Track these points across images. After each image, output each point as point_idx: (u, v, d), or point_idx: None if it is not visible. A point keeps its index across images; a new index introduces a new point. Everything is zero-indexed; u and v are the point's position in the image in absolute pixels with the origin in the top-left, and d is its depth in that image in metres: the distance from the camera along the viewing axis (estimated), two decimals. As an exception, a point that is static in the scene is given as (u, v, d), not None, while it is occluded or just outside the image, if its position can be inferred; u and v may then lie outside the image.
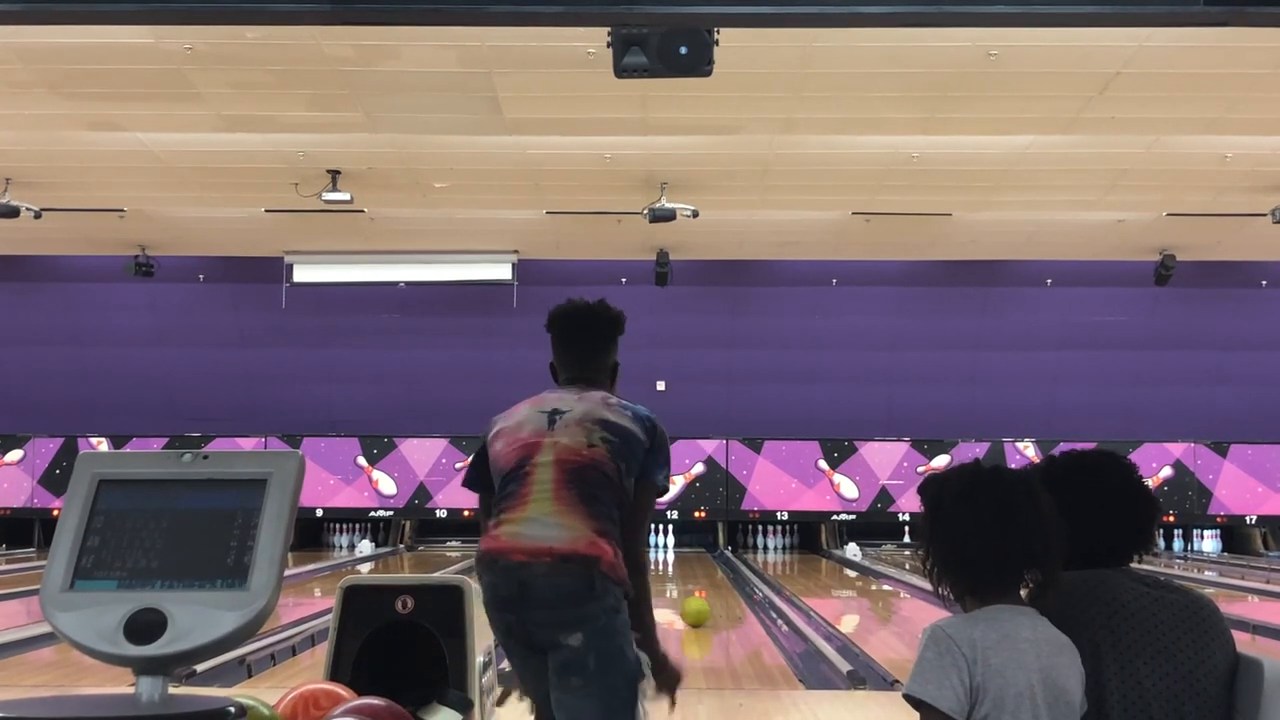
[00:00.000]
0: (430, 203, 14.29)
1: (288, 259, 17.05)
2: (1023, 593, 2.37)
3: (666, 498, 18.74)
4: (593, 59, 9.08)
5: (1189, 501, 18.92)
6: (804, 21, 6.13)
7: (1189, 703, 2.38)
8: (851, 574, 15.96)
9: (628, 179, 13.06)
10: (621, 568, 3.21)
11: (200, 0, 3.59)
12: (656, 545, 18.96)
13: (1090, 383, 18.78)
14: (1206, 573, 16.45)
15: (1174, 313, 18.29)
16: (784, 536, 19.14)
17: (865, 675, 7.79)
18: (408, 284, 17.47)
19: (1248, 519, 18.95)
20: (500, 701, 3.51)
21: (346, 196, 13.21)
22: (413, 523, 18.99)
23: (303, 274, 17.09)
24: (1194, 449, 18.92)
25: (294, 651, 8.27)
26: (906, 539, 19.19)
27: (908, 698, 2.21)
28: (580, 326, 3.69)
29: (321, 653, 4.05)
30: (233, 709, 2.29)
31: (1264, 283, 18.36)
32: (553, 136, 11.63)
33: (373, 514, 18.81)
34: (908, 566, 16.13)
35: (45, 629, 2.80)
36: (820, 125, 11.31)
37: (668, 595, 14.29)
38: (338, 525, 18.96)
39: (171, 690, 2.29)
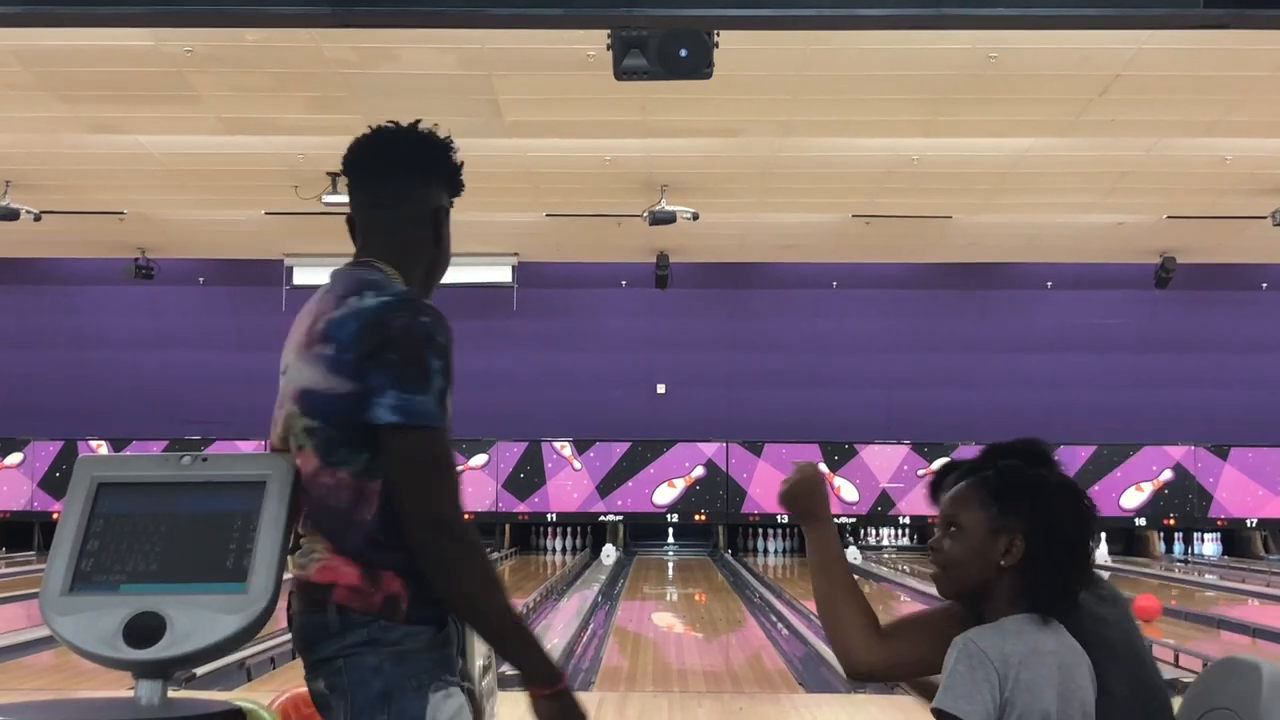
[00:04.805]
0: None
1: (287, 262, 17.05)
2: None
3: (667, 500, 18.75)
4: (592, 61, 9.08)
5: (1189, 505, 18.90)
6: (804, 24, 6.14)
7: (1153, 701, 2.42)
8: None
9: (628, 181, 13.06)
10: (376, 593, 2.29)
11: (200, 3, 3.59)
12: (664, 547, 18.97)
13: (1090, 386, 18.78)
14: (1207, 576, 16.45)
15: (1174, 315, 18.29)
16: (784, 540, 19.13)
17: (865, 678, 7.78)
18: (407, 287, 17.46)
19: (1248, 522, 18.93)
20: None
21: (346, 199, 13.18)
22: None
23: (303, 276, 17.08)
24: (1194, 452, 18.91)
25: (294, 655, 8.25)
26: (906, 541, 19.21)
27: (938, 712, 2.19)
28: (373, 157, 2.55)
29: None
30: (233, 713, 2.29)
31: (1264, 285, 18.35)
32: (553, 139, 11.63)
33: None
34: (909, 570, 16.13)
35: (44, 633, 2.79)
36: (820, 128, 11.30)
37: (668, 599, 14.28)
38: (338, 528, 18.94)
39: (171, 694, 2.29)
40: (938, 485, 2.77)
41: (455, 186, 2.57)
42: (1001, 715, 2.16)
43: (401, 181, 2.50)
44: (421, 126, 2.52)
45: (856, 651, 2.36)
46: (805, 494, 2.49)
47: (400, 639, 2.28)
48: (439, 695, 2.28)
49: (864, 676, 2.38)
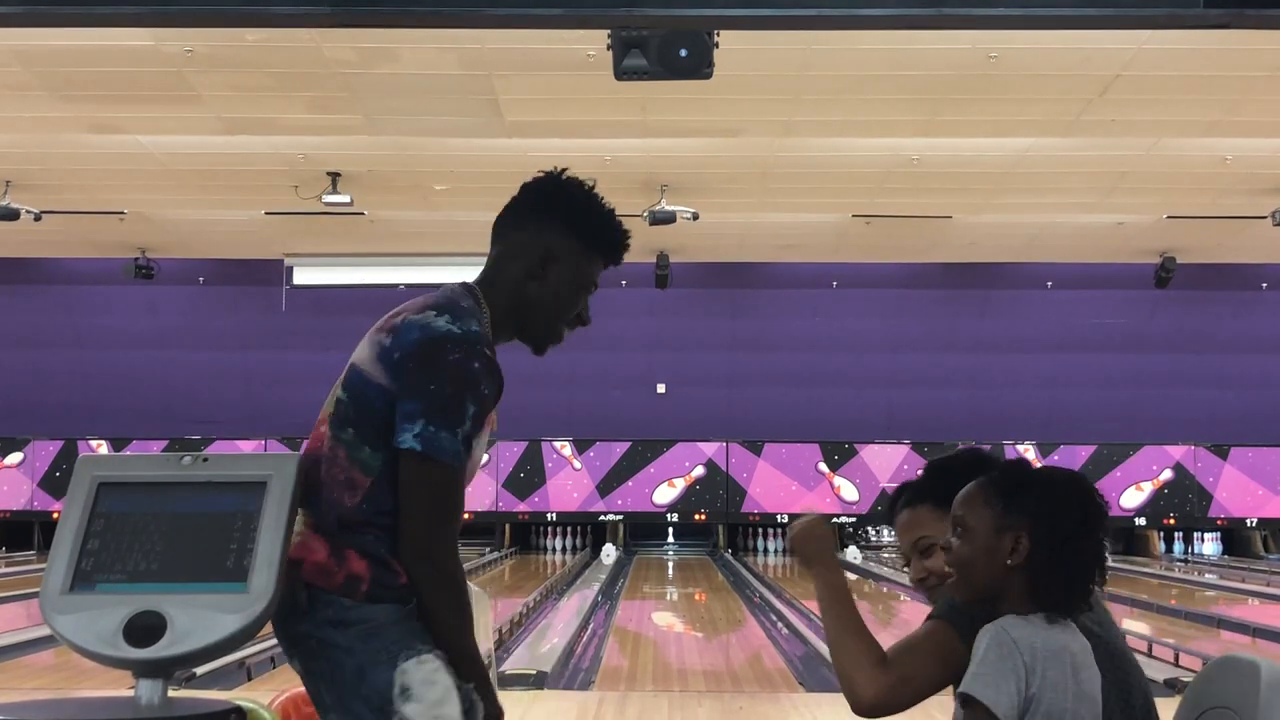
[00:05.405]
0: (430, 205, 14.29)
1: (288, 261, 17.05)
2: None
3: (667, 499, 18.75)
4: (593, 61, 9.08)
5: (1189, 504, 18.90)
6: (804, 24, 6.12)
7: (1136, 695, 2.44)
8: (852, 577, 15.97)
9: (628, 181, 13.06)
10: (339, 572, 2.36)
11: (200, 3, 3.60)
12: (663, 546, 18.97)
13: (1090, 385, 18.78)
14: (1207, 575, 16.45)
15: (1174, 315, 18.29)
16: (784, 539, 19.11)
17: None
18: (408, 286, 17.47)
19: (1248, 522, 18.93)
20: None
21: (346, 199, 13.21)
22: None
23: (303, 276, 17.09)
24: (1194, 452, 18.91)
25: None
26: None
27: (964, 696, 2.16)
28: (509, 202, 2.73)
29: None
30: (232, 712, 2.29)
31: (1264, 285, 18.36)
32: (553, 139, 11.63)
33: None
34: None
35: (45, 632, 2.79)
36: (820, 128, 11.31)
37: (668, 599, 14.29)
38: (338, 528, 18.93)
39: (171, 693, 2.29)
40: (893, 507, 2.75)
41: (584, 233, 2.60)
42: (1026, 709, 2.14)
43: (510, 217, 2.68)
44: (566, 175, 2.67)
45: (861, 686, 2.35)
46: (813, 539, 2.51)
47: (365, 617, 2.35)
48: (410, 662, 2.33)
49: (869, 709, 2.37)
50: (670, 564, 17.75)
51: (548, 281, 2.58)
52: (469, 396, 2.35)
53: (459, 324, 2.41)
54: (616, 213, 2.64)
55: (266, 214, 14.79)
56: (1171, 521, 19.02)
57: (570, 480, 18.72)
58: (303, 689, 2.69)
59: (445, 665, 2.37)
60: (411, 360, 2.36)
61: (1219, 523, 19.03)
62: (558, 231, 2.59)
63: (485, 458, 2.60)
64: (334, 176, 12.98)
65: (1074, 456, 18.58)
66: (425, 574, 2.35)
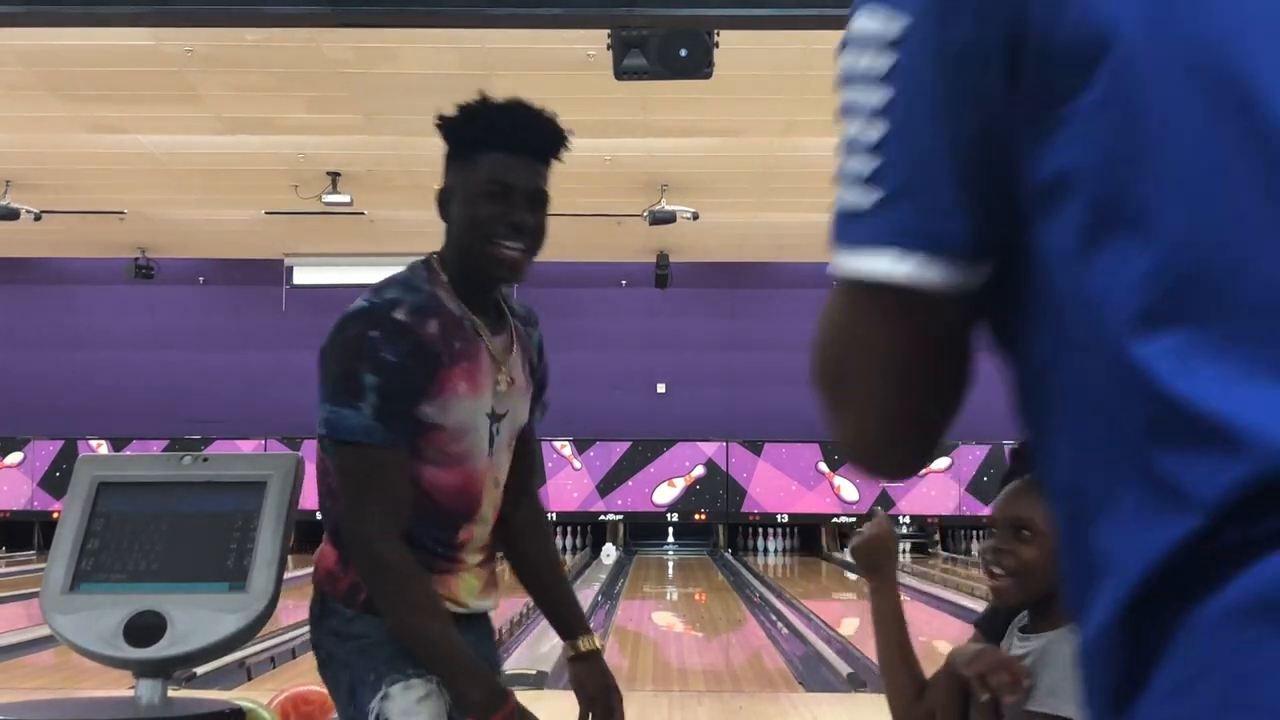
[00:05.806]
0: (430, 205, 14.17)
1: (288, 261, 17.05)
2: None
3: (666, 499, 18.76)
4: (593, 61, 9.08)
5: (1189, 504, 18.91)
6: (804, 24, 6.12)
7: None
8: (852, 576, 15.96)
9: (628, 181, 13.06)
10: (344, 579, 2.30)
11: (200, 3, 3.60)
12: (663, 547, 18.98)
13: (1090, 385, 18.81)
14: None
15: (1174, 315, 18.28)
16: (784, 539, 19.12)
17: (865, 678, 7.78)
18: (408, 286, 17.46)
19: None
20: None
21: (346, 199, 13.21)
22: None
23: (303, 276, 17.09)
24: (1194, 451, 18.91)
25: (294, 654, 8.26)
26: (904, 531, 19.21)
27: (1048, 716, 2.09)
28: None
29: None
30: (233, 712, 2.29)
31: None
32: (553, 139, 11.63)
33: (373, 516, 18.76)
34: (909, 569, 16.14)
35: (45, 631, 2.80)
36: (820, 128, 11.30)
37: (668, 599, 14.29)
38: (338, 528, 18.92)
39: (171, 693, 2.30)
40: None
41: (455, 142, 2.45)
42: None
43: None
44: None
45: (899, 716, 2.38)
46: (880, 549, 2.43)
47: (363, 632, 2.28)
48: (397, 687, 2.25)
49: None
50: (670, 564, 17.76)
51: (453, 217, 2.43)
52: (364, 367, 2.22)
53: (374, 296, 2.32)
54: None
55: (266, 214, 14.79)
56: (1171, 521, 19.01)
57: (570, 480, 18.72)
58: (302, 689, 2.70)
59: (437, 691, 2.27)
60: (322, 349, 2.30)
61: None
62: (448, 164, 2.46)
63: (489, 430, 2.44)
64: (334, 176, 12.99)
65: (1074, 456, 18.59)
66: (357, 562, 2.24)
